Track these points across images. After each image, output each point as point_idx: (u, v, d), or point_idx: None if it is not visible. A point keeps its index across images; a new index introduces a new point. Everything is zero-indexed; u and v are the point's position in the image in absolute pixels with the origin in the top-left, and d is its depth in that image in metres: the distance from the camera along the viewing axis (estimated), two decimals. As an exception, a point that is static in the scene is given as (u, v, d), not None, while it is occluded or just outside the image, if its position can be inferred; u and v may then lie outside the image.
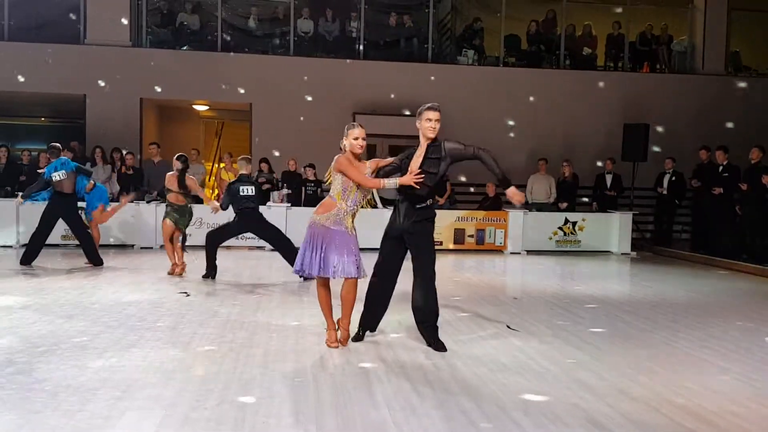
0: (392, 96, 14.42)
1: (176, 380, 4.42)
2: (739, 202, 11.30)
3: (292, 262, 8.09)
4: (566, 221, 12.76)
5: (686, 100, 15.27)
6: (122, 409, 3.87)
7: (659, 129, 14.56)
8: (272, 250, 9.38)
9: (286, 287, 8.22)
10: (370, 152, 12.50)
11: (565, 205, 13.12)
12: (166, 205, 8.95)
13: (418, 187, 5.15)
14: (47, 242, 9.64)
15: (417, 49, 15.55)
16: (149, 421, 3.69)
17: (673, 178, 13.17)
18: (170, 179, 8.80)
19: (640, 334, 6.16)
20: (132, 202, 11.09)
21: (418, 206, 5.31)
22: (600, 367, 5.01)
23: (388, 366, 4.86)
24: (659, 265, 11.45)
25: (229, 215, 8.89)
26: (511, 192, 5.22)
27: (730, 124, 14.68)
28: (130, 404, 3.95)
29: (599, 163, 14.17)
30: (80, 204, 9.75)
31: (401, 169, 5.37)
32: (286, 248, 8.60)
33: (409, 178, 5.12)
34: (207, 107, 16.22)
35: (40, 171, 10.07)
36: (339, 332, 5.38)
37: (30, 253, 9.42)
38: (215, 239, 8.71)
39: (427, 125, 5.26)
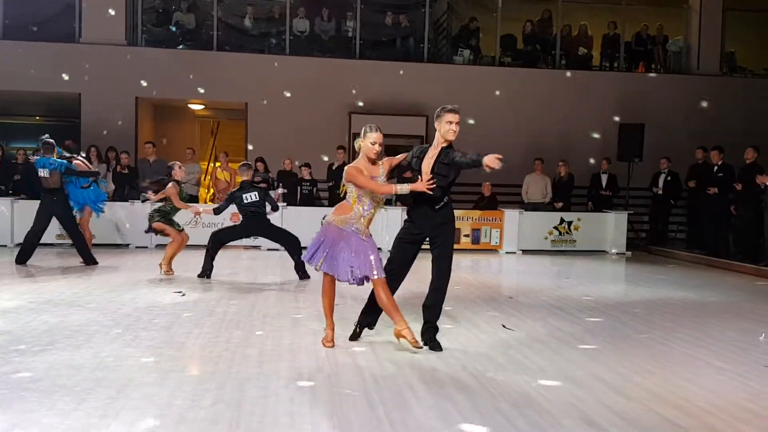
0: (388, 96, 14.41)
1: (172, 380, 4.41)
2: (734, 202, 11.34)
3: (298, 260, 8.14)
4: (562, 221, 12.78)
5: (682, 100, 15.30)
6: (117, 408, 3.86)
7: (654, 129, 14.57)
8: (269, 249, 9.37)
9: (282, 287, 8.22)
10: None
11: (560, 204, 13.14)
12: (154, 211, 8.92)
13: (430, 192, 5.07)
14: (42, 241, 9.62)
15: (413, 48, 15.54)
16: (144, 421, 3.69)
17: (669, 178, 13.22)
18: (172, 193, 8.63)
19: (635, 333, 6.17)
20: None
21: (437, 207, 5.25)
22: (595, 366, 5.01)
23: (384, 365, 4.86)
24: (654, 264, 11.47)
25: (224, 218, 8.83)
26: (487, 160, 4.84)
27: (725, 124, 14.71)
28: (126, 404, 3.94)
29: (592, 161, 14.18)
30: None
31: (411, 168, 5.32)
32: (293, 245, 8.60)
33: (421, 185, 5.03)
34: (202, 106, 16.18)
35: (31, 160, 9.96)
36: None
37: (25, 252, 9.40)
38: (220, 239, 8.71)
39: (448, 128, 5.14)
